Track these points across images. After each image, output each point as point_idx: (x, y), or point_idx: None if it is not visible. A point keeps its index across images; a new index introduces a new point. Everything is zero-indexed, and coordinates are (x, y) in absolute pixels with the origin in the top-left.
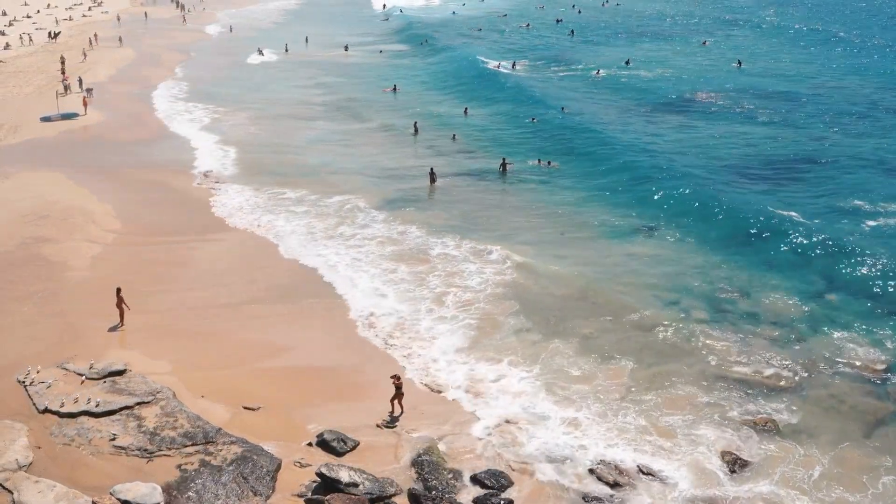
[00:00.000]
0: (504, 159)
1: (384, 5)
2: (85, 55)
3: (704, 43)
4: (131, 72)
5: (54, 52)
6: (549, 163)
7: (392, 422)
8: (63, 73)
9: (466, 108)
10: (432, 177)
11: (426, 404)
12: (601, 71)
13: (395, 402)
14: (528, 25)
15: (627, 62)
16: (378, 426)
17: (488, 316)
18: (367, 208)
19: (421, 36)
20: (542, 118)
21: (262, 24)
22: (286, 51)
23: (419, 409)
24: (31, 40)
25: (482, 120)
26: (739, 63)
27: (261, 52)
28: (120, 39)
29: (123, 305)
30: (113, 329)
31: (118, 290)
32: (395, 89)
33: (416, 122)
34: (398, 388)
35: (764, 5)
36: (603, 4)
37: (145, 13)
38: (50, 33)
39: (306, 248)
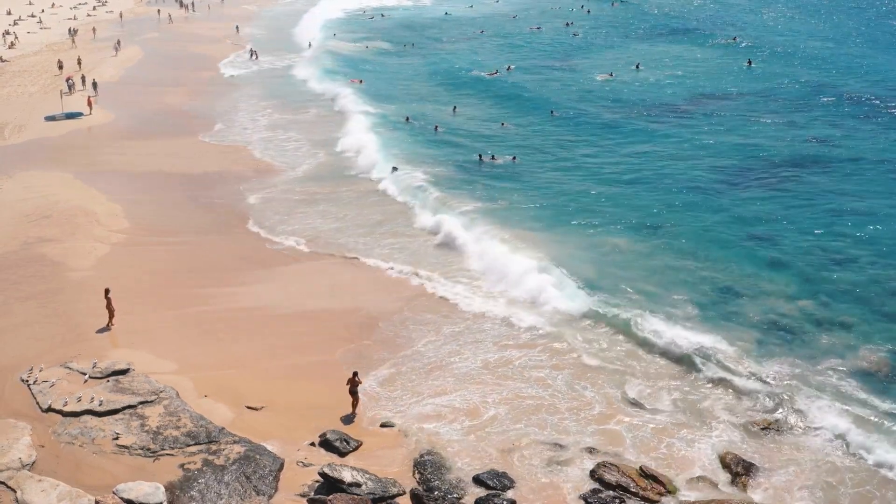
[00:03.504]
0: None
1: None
2: (116, 50)
3: (735, 39)
4: (138, 72)
5: (59, 52)
6: (500, 157)
7: (348, 420)
8: (78, 64)
9: (455, 107)
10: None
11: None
12: (613, 73)
13: (353, 402)
14: (538, 28)
15: (637, 66)
16: (381, 426)
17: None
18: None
19: (409, 38)
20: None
21: (281, 24)
22: (309, 46)
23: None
24: (16, 38)
25: (469, 118)
26: (750, 62)
27: (253, 55)
28: (119, 43)
29: (111, 307)
30: (102, 330)
31: (106, 291)
32: (360, 82)
33: (436, 126)
34: (353, 386)
35: (777, 4)
36: (613, 4)
37: (158, 11)
38: (70, 30)
39: (324, 246)
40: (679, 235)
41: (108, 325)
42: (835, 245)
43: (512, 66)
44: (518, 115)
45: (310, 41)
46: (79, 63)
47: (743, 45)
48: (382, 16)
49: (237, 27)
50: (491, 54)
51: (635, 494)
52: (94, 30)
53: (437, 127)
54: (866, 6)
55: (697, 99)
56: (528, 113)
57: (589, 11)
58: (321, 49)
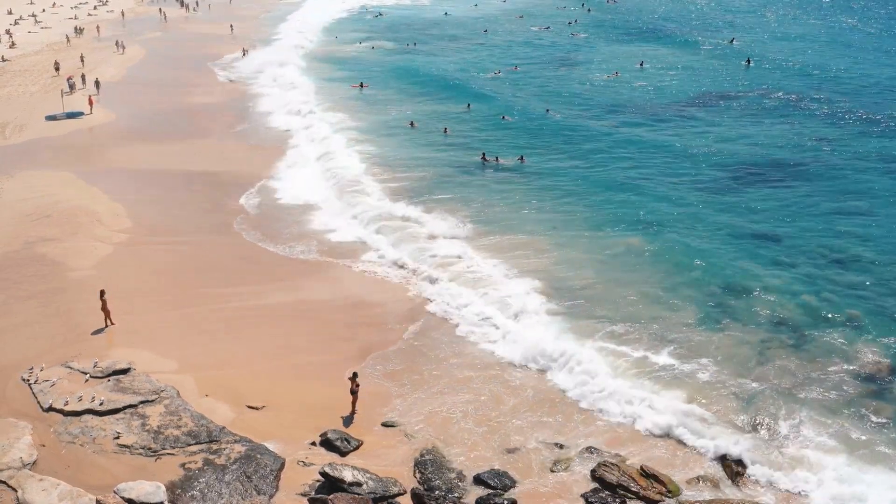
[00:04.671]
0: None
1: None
2: (124, 48)
3: (732, 41)
4: (140, 71)
5: (59, 52)
6: (520, 158)
7: (349, 420)
8: (81, 61)
9: (469, 104)
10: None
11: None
12: (618, 73)
13: (353, 402)
14: (548, 28)
15: (641, 64)
16: (382, 426)
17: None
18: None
19: (414, 38)
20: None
21: (283, 24)
22: (307, 48)
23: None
24: (11, 38)
25: (477, 119)
26: (749, 61)
27: (245, 55)
28: (117, 44)
29: (107, 308)
30: (101, 331)
31: (102, 293)
32: (361, 86)
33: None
34: (353, 386)
35: (775, 4)
36: (607, 1)
37: (160, 9)
38: (76, 28)
39: (329, 246)
40: (679, 234)
41: (105, 325)
42: (837, 244)
43: (518, 67)
44: (522, 115)
45: (308, 43)
46: (81, 60)
47: (740, 46)
48: (381, 14)
49: (231, 26)
50: (496, 54)
51: (636, 494)
52: (98, 28)
53: (446, 129)
54: (866, 5)
55: (699, 98)
56: (532, 112)
57: (589, 10)
58: (323, 51)
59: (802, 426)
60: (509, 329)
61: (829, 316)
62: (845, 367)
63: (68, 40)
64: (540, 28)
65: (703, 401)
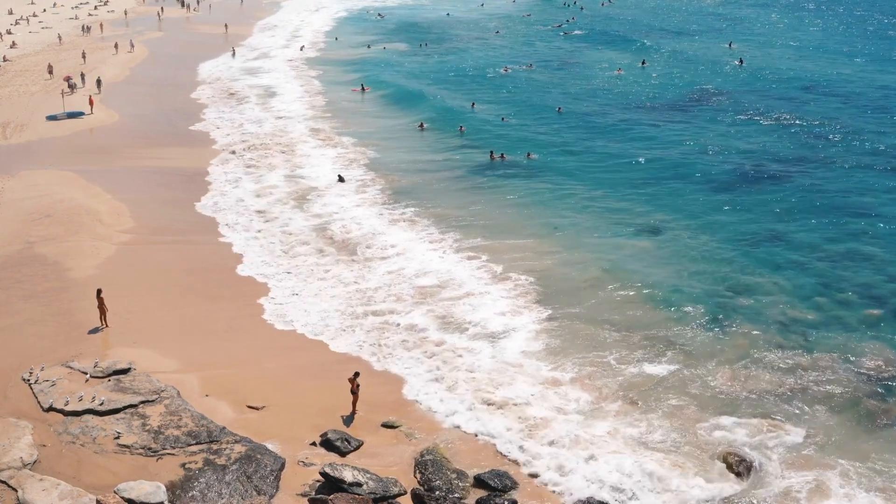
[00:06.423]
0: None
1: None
2: (132, 46)
3: (731, 45)
4: (142, 71)
5: (60, 51)
6: (528, 154)
7: (349, 420)
8: (83, 58)
9: (474, 103)
10: None
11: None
12: (622, 70)
13: (353, 401)
14: (560, 26)
15: (643, 63)
16: (382, 426)
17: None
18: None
19: (420, 38)
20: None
21: (284, 24)
22: (301, 49)
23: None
24: (3, 38)
25: (487, 118)
26: (741, 61)
27: (234, 54)
28: (116, 45)
29: (104, 307)
30: (96, 330)
31: (98, 292)
32: (363, 89)
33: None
34: (354, 386)
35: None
36: (602, 4)
37: (161, 8)
38: (83, 27)
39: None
40: (680, 234)
41: (101, 325)
42: (839, 244)
43: (532, 65)
44: (530, 112)
45: (306, 44)
46: (83, 57)
47: (735, 46)
48: (380, 15)
49: (226, 26)
50: (505, 53)
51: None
52: (101, 25)
53: (461, 128)
54: (866, 7)
55: (702, 97)
56: (540, 110)
57: (582, 8)
58: (322, 53)
59: (808, 429)
60: (506, 334)
61: (843, 316)
62: (849, 367)
63: (60, 40)
64: (553, 26)
65: (706, 395)
